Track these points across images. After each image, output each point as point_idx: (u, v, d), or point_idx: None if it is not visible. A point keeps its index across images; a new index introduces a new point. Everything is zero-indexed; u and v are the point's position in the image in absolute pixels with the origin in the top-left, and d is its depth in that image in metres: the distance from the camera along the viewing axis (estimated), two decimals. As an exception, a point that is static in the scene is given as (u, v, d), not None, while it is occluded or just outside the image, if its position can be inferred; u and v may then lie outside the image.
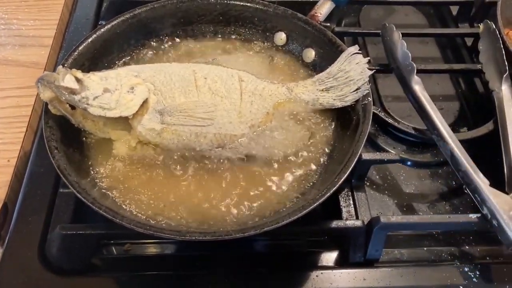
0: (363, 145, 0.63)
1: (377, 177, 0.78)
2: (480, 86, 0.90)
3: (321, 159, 0.68)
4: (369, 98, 0.68)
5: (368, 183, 0.77)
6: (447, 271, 0.66)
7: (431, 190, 0.78)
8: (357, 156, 0.61)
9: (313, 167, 0.68)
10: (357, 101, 0.69)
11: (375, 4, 1.03)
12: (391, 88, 0.87)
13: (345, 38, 0.93)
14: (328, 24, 0.92)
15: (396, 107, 0.86)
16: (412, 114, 0.83)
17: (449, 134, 0.70)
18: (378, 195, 0.76)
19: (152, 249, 0.69)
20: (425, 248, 0.70)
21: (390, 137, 0.82)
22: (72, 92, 0.61)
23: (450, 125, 0.72)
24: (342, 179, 0.59)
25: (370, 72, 0.70)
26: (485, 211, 0.64)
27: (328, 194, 0.58)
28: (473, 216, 0.65)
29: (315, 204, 0.57)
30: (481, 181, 0.65)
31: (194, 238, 0.54)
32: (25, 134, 0.77)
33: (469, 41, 0.96)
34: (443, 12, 1.04)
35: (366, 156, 0.70)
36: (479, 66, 0.85)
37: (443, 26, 1.02)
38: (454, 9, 1.02)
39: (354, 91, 0.69)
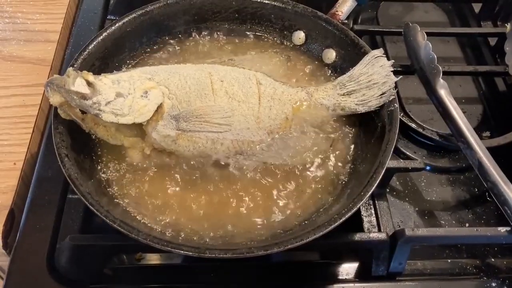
0: (390, 155, 0.59)
1: (397, 183, 0.76)
2: (502, 86, 0.87)
3: (344, 169, 0.65)
4: (395, 104, 0.65)
5: (388, 189, 0.74)
6: (472, 285, 0.64)
7: (452, 198, 0.75)
8: (385, 168, 0.58)
9: (335, 177, 0.65)
10: (381, 106, 0.66)
11: (394, 1, 0.99)
12: (412, 90, 0.84)
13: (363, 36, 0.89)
14: (346, 21, 0.88)
15: (417, 109, 0.83)
16: (434, 117, 0.81)
17: (477, 142, 0.66)
18: (398, 202, 0.74)
19: (164, 259, 0.67)
20: (449, 260, 0.68)
21: (410, 141, 0.80)
22: (83, 97, 0.57)
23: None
24: (369, 192, 0.56)
25: (396, 79, 0.66)
26: (516, 224, 0.61)
27: (355, 209, 0.55)
28: (502, 229, 0.62)
29: (341, 220, 0.54)
30: (512, 193, 0.62)
31: (214, 255, 0.51)
32: (31, 136, 0.74)
33: (492, 40, 0.92)
34: (464, 9, 1.00)
35: (390, 164, 0.66)
36: (505, 69, 0.81)
37: (464, 23, 0.99)
38: (476, 6, 0.98)
39: (379, 96, 0.66)
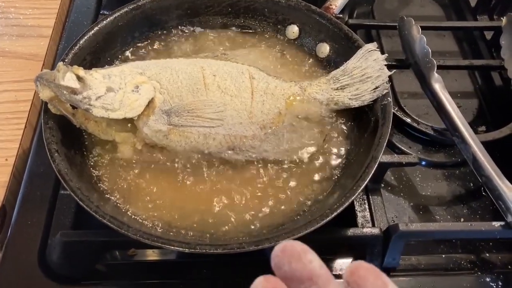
0: (383, 149, 0.59)
1: (392, 178, 0.75)
2: (498, 80, 0.86)
3: (337, 163, 0.65)
4: (388, 98, 0.64)
5: (382, 184, 0.73)
6: (467, 280, 0.64)
7: (447, 192, 0.75)
8: (377, 162, 0.58)
9: (328, 171, 0.64)
10: (375, 100, 0.65)
11: (390, -6, 0.99)
12: (407, 84, 0.84)
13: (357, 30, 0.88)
14: (341, 15, 0.87)
15: (412, 104, 0.82)
16: (429, 112, 0.80)
17: (472, 136, 0.66)
18: (393, 197, 0.73)
19: (157, 255, 0.66)
20: (443, 255, 0.67)
21: (405, 136, 0.79)
22: (73, 91, 0.57)
23: (468, 124, 0.68)
24: (362, 187, 0.56)
25: (390, 72, 0.66)
26: (510, 219, 0.61)
27: (347, 203, 0.54)
28: (496, 224, 0.62)
29: (334, 215, 0.54)
30: (506, 187, 0.62)
31: (205, 251, 0.51)
32: (23, 131, 0.74)
33: (487, 34, 0.92)
34: (460, 3, 0.99)
35: (384, 158, 0.66)
36: (501, 62, 0.81)
37: (460, 17, 0.98)
38: (472, 0, 0.97)
39: (372, 90, 0.65)
